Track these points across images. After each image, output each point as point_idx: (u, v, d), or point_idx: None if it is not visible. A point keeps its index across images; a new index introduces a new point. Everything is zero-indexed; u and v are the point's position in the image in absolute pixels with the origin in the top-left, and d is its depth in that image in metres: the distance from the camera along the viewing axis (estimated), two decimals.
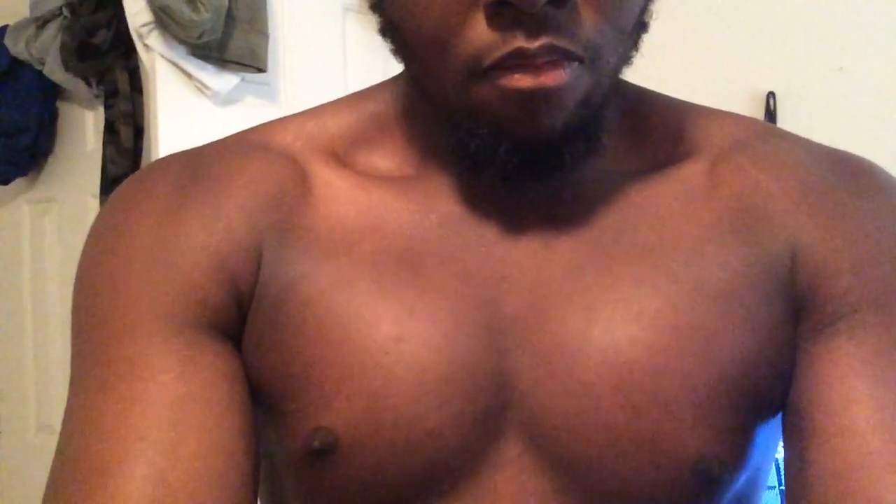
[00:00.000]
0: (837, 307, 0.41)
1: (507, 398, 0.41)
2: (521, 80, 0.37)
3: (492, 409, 0.41)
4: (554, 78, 0.36)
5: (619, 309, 0.41)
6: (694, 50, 1.72)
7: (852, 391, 0.39)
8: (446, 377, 0.40)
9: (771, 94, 1.64)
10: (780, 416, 0.44)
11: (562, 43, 0.36)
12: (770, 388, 0.42)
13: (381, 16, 0.43)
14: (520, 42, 0.36)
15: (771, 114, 1.63)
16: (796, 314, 0.43)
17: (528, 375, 0.41)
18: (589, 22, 0.37)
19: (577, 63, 0.37)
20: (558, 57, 0.36)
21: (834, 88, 1.60)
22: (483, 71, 0.37)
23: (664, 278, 0.42)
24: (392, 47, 0.43)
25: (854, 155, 0.47)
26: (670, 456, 0.40)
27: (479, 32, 0.37)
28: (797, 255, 0.43)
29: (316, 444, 0.40)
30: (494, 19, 0.36)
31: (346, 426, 0.40)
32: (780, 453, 0.45)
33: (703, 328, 0.41)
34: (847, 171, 0.45)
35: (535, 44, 0.36)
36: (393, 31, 0.42)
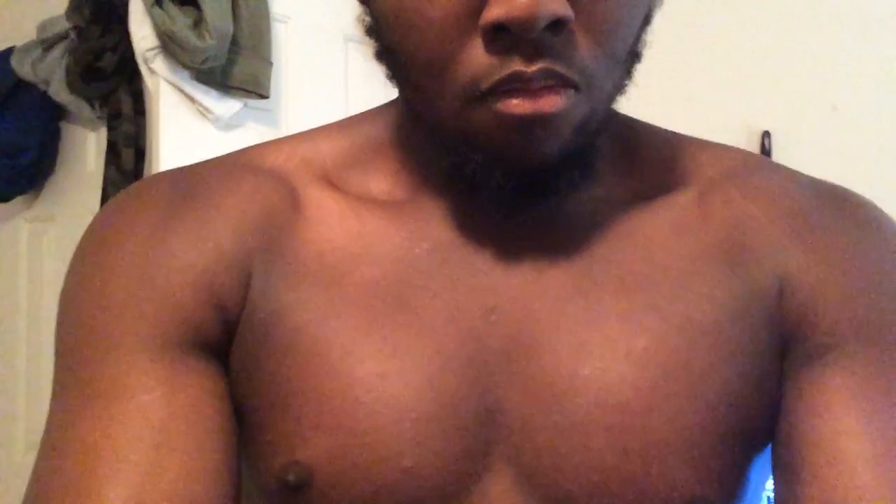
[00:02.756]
0: (826, 338, 0.41)
1: (493, 434, 0.41)
2: (519, 106, 0.37)
3: (474, 448, 0.40)
4: (551, 104, 0.37)
5: (609, 347, 0.41)
6: (690, 89, 1.74)
7: (841, 423, 0.39)
8: (427, 416, 0.40)
9: (766, 133, 1.66)
10: (769, 449, 0.43)
11: (558, 68, 0.36)
12: (759, 422, 0.42)
13: (377, 41, 0.43)
14: (517, 66, 0.36)
15: (766, 152, 1.65)
16: (784, 345, 0.42)
17: (515, 411, 0.41)
18: (584, 48, 0.37)
19: (572, 90, 0.37)
20: (555, 82, 0.37)
21: (828, 127, 1.62)
22: (480, 95, 0.37)
23: (652, 314, 0.42)
24: (388, 72, 0.43)
25: (843, 187, 0.47)
26: (661, 498, 0.39)
27: (477, 57, 0.37)
28: (785, 286, 0.43)
29: (290, 477, 0.40)
30: (492, 44, 0.36)
31: (322, 462, 0.39)
32: (770, 487, 0.45)
33: (690, 367, 0.41)
34: (836, 202, 0.45)
35: (533, 67, 0.36)
36: (389, 55, 0.42)
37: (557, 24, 0.35)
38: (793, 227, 0.44)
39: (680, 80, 1.71)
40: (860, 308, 0.41)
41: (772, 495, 0.44)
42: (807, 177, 0.48)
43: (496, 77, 0.36)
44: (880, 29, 1.59)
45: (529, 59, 0.36)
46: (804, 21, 1.66)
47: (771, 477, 0.44)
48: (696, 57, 1.75)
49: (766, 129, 1.67)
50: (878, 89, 1.59)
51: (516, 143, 0.38)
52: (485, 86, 0.37)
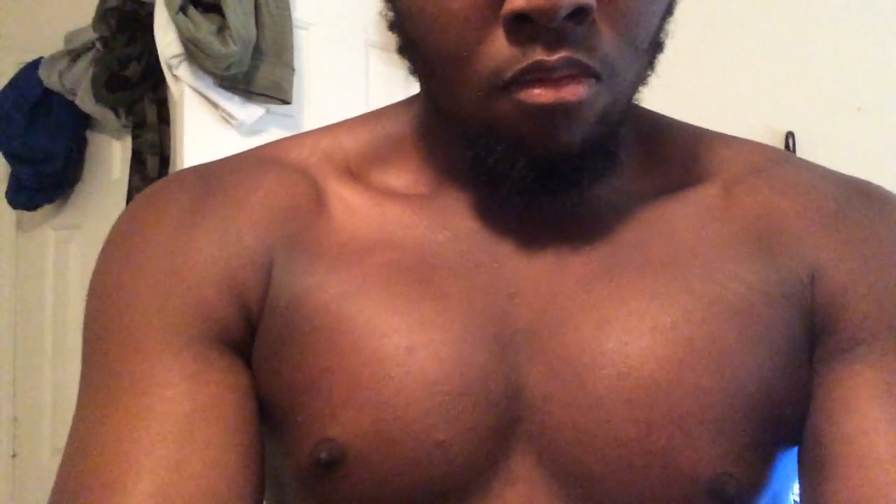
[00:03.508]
0: (855, 332, 0.41)
1: (519, 412, 0.41)
2: (541, 96, 0.37)
3: (502, 423, 0.40)
4: (573, 93, 0.37)
5: (633, 322, 0.41)
6: (713, 89, 1.73)
7: (870, 420, 0.39)
8: (457, 389, 0.40)
9: (790, 134, 1.65)
10: (795, 450, 0.43)
11: (580, 56, 0.36)
12: (787, 410, 0.41)
13: (399, 34, 0.43)
14: (539, 55, 0.36)
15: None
16: (813, 336, 0.42)
17: (538, 388, 0.41)
18: (607, 38, 0.37)
19: (594, 79, 0.37)
20: (577, 71, 0.37)
21: (852, 128, 1.60)
22: (503, 85, 0.37)
23: (680, 292, 0.41)
24: (410, 66, 0.43)
25: (870, 182, 0.47)
26: (684, 473, 0.39)
27: (499, 47, 0.37)
28: (816, 276, 0.42)
29: (323, 455, 0.40)
30: (514, 34, 0.36)
31: (354, 438, 0.39)
32: (797, 491, 0.44)
33: (719, 343, 0.40)
34: (863, 196, 0.45)
35: (555, 56, 0.36)
36: (412, 48, 0.42)
37: (579, 13, 0.35)
38: (823, 220, 0.43)
39: (703, 80, 1.70)
40: (890, 303, 0.41)
41: (797, 499, 0.43)
42: (834, 172, 0.47)
43: (518, 67, 0.36)
44: None
45: (551, 48, 0.36)
46: (829, 21, 1.64)
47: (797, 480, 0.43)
48: (720, 57, 1.74)
49: (789, 129, 1.65)
50: None
51: (539, 132, 0.38)
52: (507, 76, 0.37)
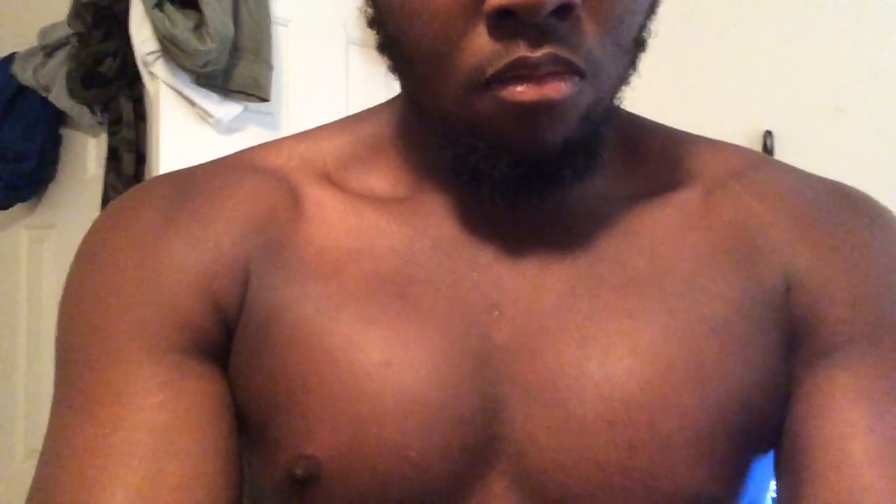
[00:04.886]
0: (833, 337, 0.41)
1: (495, 430, 0.40)
2: (524, 93, 0.36)
3: (478, 441, 0.40)
4: (557, 90, 0.36)
5: (614, 342, 0.40)
6: (691, 88, 1.74)
7: (847, 424, 0.39)
8: (432, 405, 0.39)
9: (768, 133, 1.66)
10: (772, 451, 0.43)
11: (564, 53, 0.36)
12: (766, 421, 0.41)
13: (379, 31, 0.42)
14: (522, 51, 0.35)
15: (768, 152, 1.65)
16: (791, 344, 0.42)
17: (518, 407, 0.40)
18: (590, 35, 0.37)
19: (578, 77, 0.37)
20: (561, 68, 0.36)
21: (831, 128, 1.62)
22: (484, 82, 0.37)
23: (658, 310, 0.41)
24: (391, 63, 0.43)
25: (849, 186, 0.47)
26: (666, 495, 0.39)
27: (481, 43, 0.36)
28: (792, 283, 0.42)
29: (299, 472, 0.39)
30: (496, 30, 0.36)
31: (330, 454, 0.39)
32: (773, 489, 0.44)
33: (698, 362, 0.40)
34: (843, 200, 0.45)
35: (538, 53, 0.35)
36: (392, 45, 0.41)
37: (563, 10, 0.35)
38: (800, 225, 0.43)
39: (682, 79, 1.71)
40: (867, 308, 0.41)
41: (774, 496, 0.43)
42: (813, 175, 0.47)
43: (501, 63, 0.36)
44: (884, 29, 1.59)
45: (535, 44, 0.35)
46: (807, 21, 1.66)
47: (774, 479, 0.43)
48: (698, 56, 1.74)
49: (768, 128, 1.66)
50: (881, 90, 1.58)
51: (521, 130, 0.37)
52: (489, 72, 0.36)
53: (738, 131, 1.67)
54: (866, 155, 1.58)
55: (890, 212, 0.46)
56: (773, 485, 0.44)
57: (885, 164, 1.56)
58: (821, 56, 1.64)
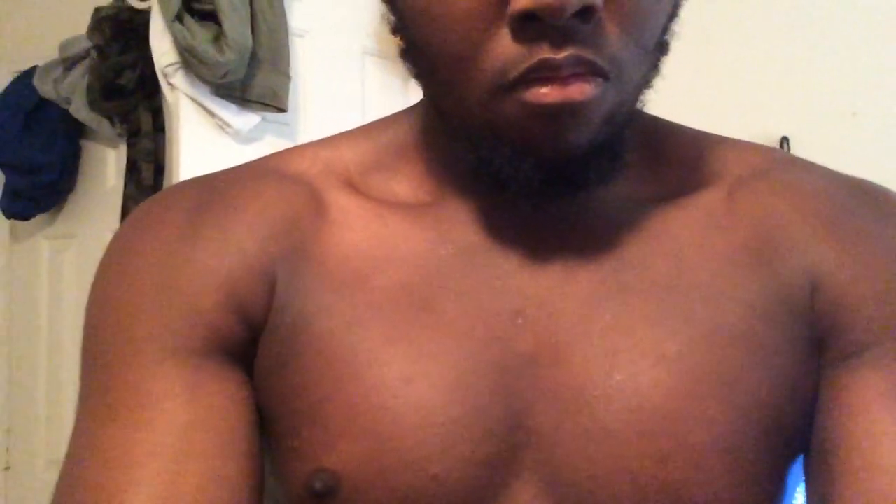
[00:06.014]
0: (860, 337, 0.40)
1: (521, 441, 0.40)
2: (548, 95, 0.36)
3: (502, 453, 0.39)
4: (580, 91, 0.36)
5: (640, 352, 0.40)
6: (708, 94, 1.74)
7: (878, 425, 0.38)
8: (454, 420, 0.39)
9: (784, 139, 1.65)
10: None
11: (588, 55, 0.36)
12: (795, 425, 0.41)
13: (403, 38, 0.42)
14: (545, 53, 0.35)
15: None
16: (818, 344, 0.42)
17: (544, 416, 0.40)
18: (613, 37, 0.37)
19: (601, 79, 0.37)
20: (584, 70, 0.36)
21: (847, 133, 1.61)
22: (508, 85, 0.37)
23: (682, 319, 0.41)
24: (414, 70, 0.43)
25: (873, 183, 0.46)
26: None
27: (504, 46, 0.36)
28: (817, 284, 0.42)
29: (317, 485, 0.39)
30: (520, 33, 0.36)
31: (349, 468, 0.39)
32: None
33: (724, 371, 0.40)
34: (866, 198, 0.45)
35: (561, 54, 0.35)
36: (415, 51, 0.41)
37: (586, 12, 0.35)
38: (824, 223, 0.43)
39: (698, 85, 1.71)
40: (894, 306, 0.41)
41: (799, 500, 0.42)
42: (836, 173, 0.47)
43: (524, 66, 0.36)
44: None
45: (558, 46, 0.35)
46: (824, 26, 1.65)
47: (802, 483, 0.43)
48: (715, 62, 1.74)
49: (784, 134, 1.66)
50: None
51: (545, 132, 0.37)
52: (513, 75, 0.36)
53: (755, 137, 1.66)
54: (883, 160, 1.57)
55: None
56: (800, 487, 0.43)
57: None
58: (837, 61, 1.63)
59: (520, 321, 0.42)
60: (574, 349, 0.41)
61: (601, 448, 0.39)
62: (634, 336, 0.40)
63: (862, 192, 0.45)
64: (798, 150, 1.65)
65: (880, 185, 0.46)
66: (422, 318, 0.41)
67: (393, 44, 0.44)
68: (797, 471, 0.43)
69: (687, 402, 0.39)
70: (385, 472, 0.39)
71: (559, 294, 0.42)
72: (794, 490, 0.45)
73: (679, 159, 0.47)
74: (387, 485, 0.39)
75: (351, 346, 0.40)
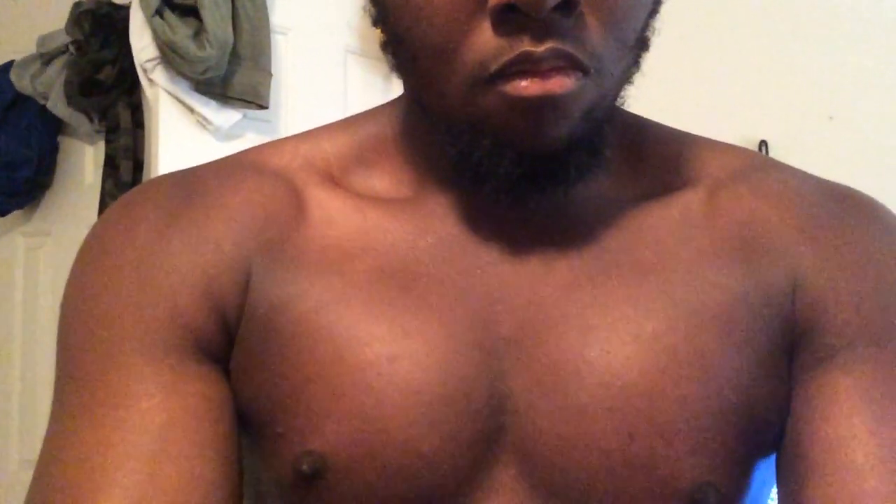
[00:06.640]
0: (835, 340, 0.41)
1: (502, 421, 0.40)
2: (528, 88, 0.36)
3: (486, 432, 0.40)
4: (560, 84, 0.36)
5: (616, 330, 0.40)
6: (686, 97, 1.75)
7: (850, 427, 0.39)
8: (440, 398, 0.39)
9: (763, 143, 1.67)
10: (773, 455, 0.43)
11: (568, 48, 0.36)
12: (767, 419, 0.41)
13: (384, 30, 0.42)
14: (526, 46, 0.35)
15: None
16: (794, 346, 0.42)
17: (523, 397, 0.40)
18: (594, 31, 0.37)
19: (581, 73, 0.37)
20: (565, 63, 0.36)
21: (825, 137, 1.63)
22: (488, 78, 0.37)
23: (662, 300, 0.41)
24: (394, 62, 0.42)
25: (851, 188, 0.47)
26: (666, 483, 0.39)
27: (485, 39, 0.36)
28: (797, 285, 0.42)
29: (304, 468, 0.39)
30: (500, 26, 0.36)
31: (336, 449, 0.39)
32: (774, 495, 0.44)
33: (701, 352, 0.40)
34: (847, 203, 0.45)
35: (542, 47, 0.35)
36: (396, 44, 0.41)
37: (567, 6, 0.35)
38: (804, 226, 0.43)
39: (677, 88, 1.72)
40: (872, 312, 0.41)
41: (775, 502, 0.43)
42: (816, 177, 0.47)
43: (505, 58, 0.36)
44: (878, 38, 1.60)
45: (538, 38, 0.35)
46: (801, 30, 1.67)
47: (775, 485, 0.43)
48: (693, 65, 1.76)
49: (762, 138, 1.67)
50: (875, 99, 1.60)
51: (525, 126, 0.37)
52: (493, 68, 0.36)
53: (734, 141, 1.67)
54: (860, 163, 1.59)
55: (893, 214, 0.46)
56: (773, 491, 0.44)
57: (878, 172, 1.57)
58: (814, 66, 1.65)
59: (500, 307, 0.42)
60: (552, 329, 0.41)
61: (571, 424, 0.39)
62: (611, 315, 0.41)
63: (841, 197, 0.45)
64: (776, 153, 1.67)
65: (858, 191, 0.47)
66: (402, 300, 0.41)
67: (375, 42, 0.44)
68: (770, 473, 0.43)
69: (660, 380, 0.39)
70: (372, 451, 0.39)
71: (538, 282, 0.42)
72: (768, 490, 0.45)
73: (660, 159, 0.48)
74: (374, 464, 0.39)
75: (329, 326, 0.40)
